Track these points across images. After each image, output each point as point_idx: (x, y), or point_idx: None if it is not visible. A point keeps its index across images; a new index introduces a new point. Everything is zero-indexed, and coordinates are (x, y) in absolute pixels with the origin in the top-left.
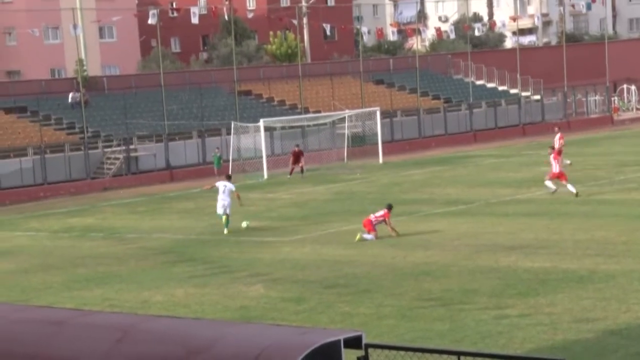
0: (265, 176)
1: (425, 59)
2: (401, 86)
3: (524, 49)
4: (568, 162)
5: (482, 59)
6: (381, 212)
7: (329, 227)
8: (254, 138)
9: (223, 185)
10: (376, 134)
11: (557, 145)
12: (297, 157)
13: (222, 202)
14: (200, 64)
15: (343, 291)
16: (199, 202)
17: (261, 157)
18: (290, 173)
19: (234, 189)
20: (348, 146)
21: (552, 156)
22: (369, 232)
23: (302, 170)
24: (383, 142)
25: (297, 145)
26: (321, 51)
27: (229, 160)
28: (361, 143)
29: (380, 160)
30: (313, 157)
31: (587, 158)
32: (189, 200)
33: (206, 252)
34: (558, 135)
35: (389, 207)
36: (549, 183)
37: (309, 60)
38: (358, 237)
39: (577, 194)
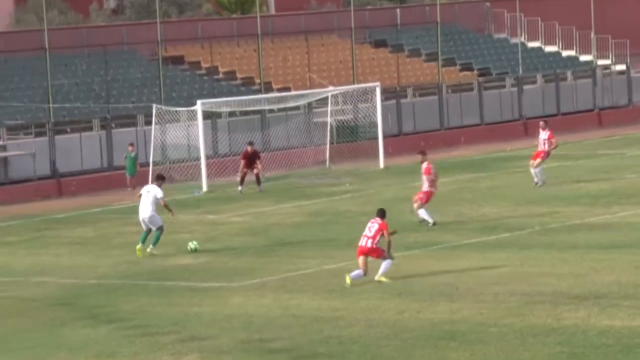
0: (205, 188)
1: (450, 8)
2: (414, 50)
3: None
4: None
5: (537, 8)
6: (375, 226)
7: (301, 266)
8: (187, 130)
9: (146, 191)
10: (375, 124)
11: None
12: (250, 160)
13: (142, 214)
14: (105, 17)
15: None
16: (103, 227)
17: (198, 159)
18: (241, 183)
19: (159, 195)
20: (332, 142)
21: None
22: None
23: (257, 180)
24: (386, 137)
25: (250, 143)
26: None
27: (148, 164)
28: (352, 138)
29: (382, 163)
30: (278, 159)
31: None
32: (87, 225)
33: (114, 304)
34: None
35: (382, 214)
36: None
37: (272, 11)
38: (349, 280)
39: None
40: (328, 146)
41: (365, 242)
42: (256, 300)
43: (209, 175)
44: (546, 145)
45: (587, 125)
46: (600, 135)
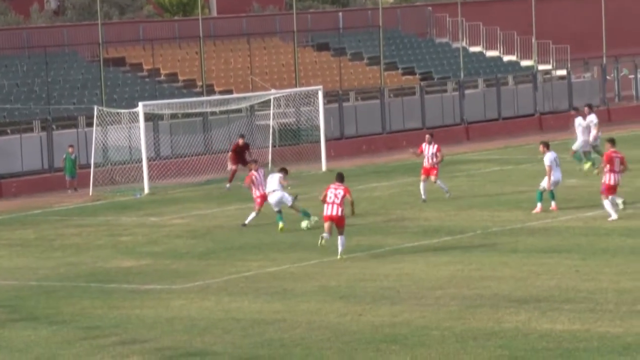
0: (147, 190)
1: (393, 12)
2: (356, 54)
3: None
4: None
5: (479, 13)
6: (340, 192)
7: (243, 269)
8: (129, 132)
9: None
10: (317, 127)
11: None
12: (239, 153)
13: (273, 199)
14: (46, 18)
15: None
16: (43, 229)
17: (140, 161)
18: (230, 180)
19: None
20: (274, 145)
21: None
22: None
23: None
24: (328, 140)
25: (242, 136)
26: None
27: (89, 166)
28: (295, 140)
29: (324, 166)
30: (220, 162)
31: (636, 166)
32: (28, 227)
33: (55, 306)
34: None
35: (341, 179)
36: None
37: (214, 13)
38: (324, 241)
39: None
40: (270, 149)
41: (332, 209)
42: (198, 303)
43: (150, 178)
44: (434, 159)
45: (528, 129)
46: (541, 139)
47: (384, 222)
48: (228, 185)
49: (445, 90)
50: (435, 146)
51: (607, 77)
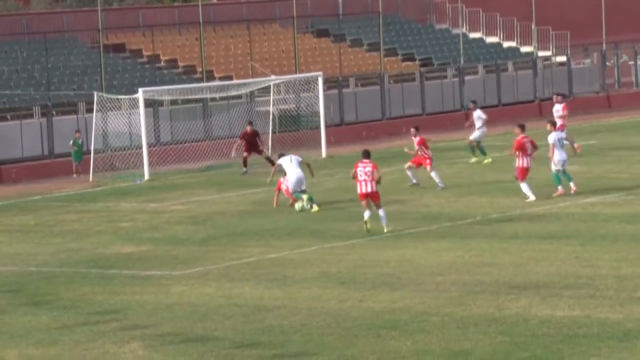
0: (147, 176)
1: None
2: (356, 40)
3: None
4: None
5: (479, 0)
6: (369, 168)
7: (243, 255)
8: (129, 118)
9: (289, 161)
10: (317, 114)
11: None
12: (249, 141)
13: (296, 179)
14: (46, 4)
15: (266, 353)
16: (43, 215)
17: (140, 147)
18: (244, 165)
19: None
20: (274, 131)
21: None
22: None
23: (270, 161)
24: (328, 126)
25: (250, 123)
26: None
27: (89, 152)
28: (294, 127)
29: (324, 152)
30: (220, 148)
31: (636, 152)
32: (28, 213)
33: (55, 292)
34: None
35: (368, 155)
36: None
37: (214, 0)
38: (369, 225)
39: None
40: (270, 135)
41: (365, 186)
42: (198, 289)
43: (150, 164)
44: (421, 152)
45: (527, 116)
46: (540, 126)
47: (384, 208)
48: (245, 169)
49: (445, 77)
50: (418, 138)
51: (607, 64)
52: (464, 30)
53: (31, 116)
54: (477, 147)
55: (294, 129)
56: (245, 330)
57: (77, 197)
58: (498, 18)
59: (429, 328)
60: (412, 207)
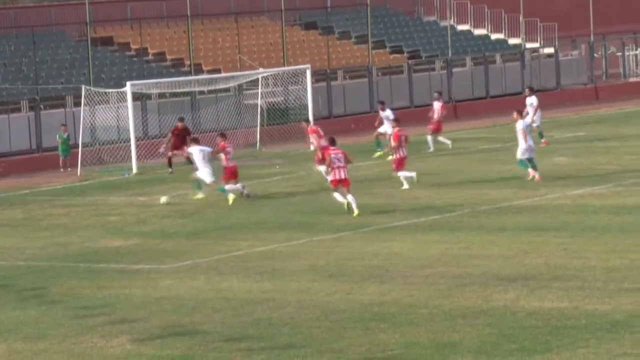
0: (135, 170)
1: None
2: (344, 33)
3: None
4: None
5: None
6: (340, 155)
7: (232, 248)
8: (117, 112)
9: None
10: (305, 107)
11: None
12: (179, 137)
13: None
14: None
15: (254, 346)
16: (31, 209)
17: (128, 140)
18: (170, 164)
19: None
20: (262, 124)
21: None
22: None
23: (190, 161)
24: (316, 119)
25: (181, 119)
26: None
27: (77, 146)
28: (283, 120)
29: (312, 145)
30: (208, 141)
31: (624, 143)
32: (16, 207)
33: (43, 286)
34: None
35: (334, 141)
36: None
37: None
38: (356, 212)
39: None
40: (259, 128)
41: (340, 173)
42: (187, 283)
43: (138, 157)
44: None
45: (515, 108)
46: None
47: (373, 201)
48: (170, 169)
49: (433, 69)
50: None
51: (595, 55)
52: (451, 22)
53: (19, 110)
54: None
55: (282, 122)
56: (233, 324)
57: (65, 191)
58: (486, 10)
59: (417, 320)
60: (401, 200)
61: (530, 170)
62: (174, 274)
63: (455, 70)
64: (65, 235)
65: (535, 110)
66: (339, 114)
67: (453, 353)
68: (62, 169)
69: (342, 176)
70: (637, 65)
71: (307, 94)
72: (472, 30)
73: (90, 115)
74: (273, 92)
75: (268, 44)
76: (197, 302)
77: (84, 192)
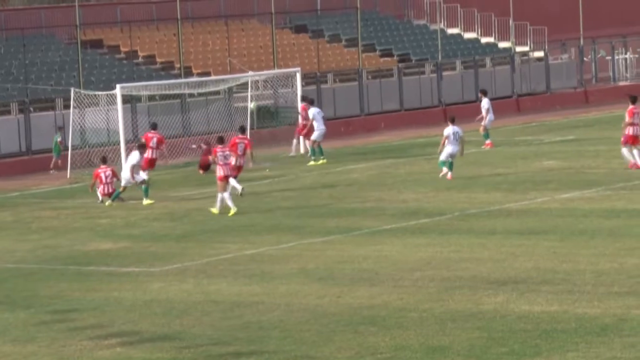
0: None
1: None
2: (334, 36)
3: None
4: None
5: None
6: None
7: (222, 251)
8: (107, 114)
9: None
10: (295, 109)
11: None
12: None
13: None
14: (23, 0)
15: (243, 350)
16: (21, 211)
17: (118, 143)
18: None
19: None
20: (252, 127)
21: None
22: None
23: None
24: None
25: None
26: None
27: (67, 148)
28: (272, 123)
29: (302, 148)
30: (198, 144)
31: (614, 147)
32: (5, 210)
33: (32, 289)
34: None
35: (244, 130)
36: None
37: None
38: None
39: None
40: (248, 131)
41: (226, 170)
42: (176, 286)
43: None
44: None
45: (505, 111)
46: (518, 121)
47: (362, 204)
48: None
49: (423, 72)
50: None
51: (585, 59)
52: (442, 26)
53: (8, 112)
54: (316, 147)
55: (272, 125)
56: (223, 327)
57: (55, 193)
58: (476, 14)
59: (407, 324)
60: (390, 203)
61: (444, 168)
62: (163, 277)
63: (445, 73)
64: (55, 238)
65: (487, 113)
66: (329, 117)
67: (443, 356)
68: (51, 171)
69: (228, 173)
70: (626, 69)
71: (297, 97)
72: (462, 33)
73: (79, 118)
74: (263, 95)
75: (258, 47)
76: (186, 305)
77: (73, 195)
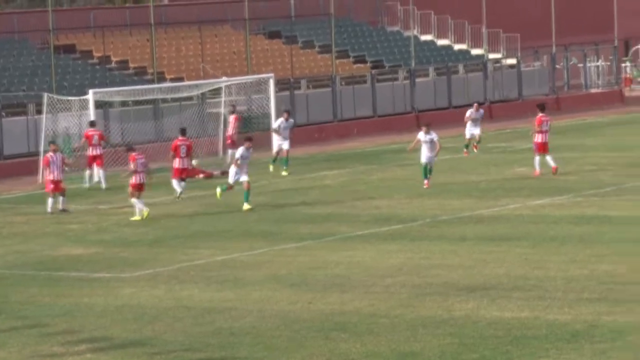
0: (96, 178)
1: (344, 0)
2: (307, 42)
3: None
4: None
5: (430, 1)
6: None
7: (194, 257)
8: (80, 119)
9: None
10: (268, 115)
11: None
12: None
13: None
14: None
15: (215, 356)
16: None
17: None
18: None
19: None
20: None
21: None
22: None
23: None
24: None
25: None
26: None
27: (39, 153)
28: (246, 128)
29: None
30: (169, 150)
31: (585, 154)
32: None
33: (2, 294)
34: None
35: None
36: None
37: (165, 1)
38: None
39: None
40: (221, 137)
41: (141, 178)
42: (148, 291)
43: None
44: None
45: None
46: (490, 128)
47: (335, 210)
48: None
49: (397, 79)
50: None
51: (557, 66)
52: (415, 32)
53: None
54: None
55: (246, 130)
56: (194, 333)
57: (26, 199)
58: (449, 20)
59: (378, 330)
60: (363, 210)
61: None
62: (134, 282)
63: (418, 80)
64: (25, 243)
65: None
66: (302, 123)
67: None
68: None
69: (143, 181)
70: (598, 76)
71: (270, 103)
72: (435, 40)
73: (52, 123)
74: (237, 101)
75: (232, 52)
76: (158, 311)
77: (44, 201)
